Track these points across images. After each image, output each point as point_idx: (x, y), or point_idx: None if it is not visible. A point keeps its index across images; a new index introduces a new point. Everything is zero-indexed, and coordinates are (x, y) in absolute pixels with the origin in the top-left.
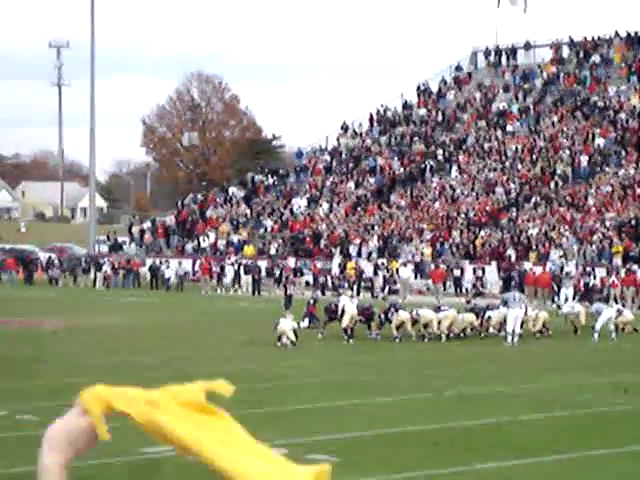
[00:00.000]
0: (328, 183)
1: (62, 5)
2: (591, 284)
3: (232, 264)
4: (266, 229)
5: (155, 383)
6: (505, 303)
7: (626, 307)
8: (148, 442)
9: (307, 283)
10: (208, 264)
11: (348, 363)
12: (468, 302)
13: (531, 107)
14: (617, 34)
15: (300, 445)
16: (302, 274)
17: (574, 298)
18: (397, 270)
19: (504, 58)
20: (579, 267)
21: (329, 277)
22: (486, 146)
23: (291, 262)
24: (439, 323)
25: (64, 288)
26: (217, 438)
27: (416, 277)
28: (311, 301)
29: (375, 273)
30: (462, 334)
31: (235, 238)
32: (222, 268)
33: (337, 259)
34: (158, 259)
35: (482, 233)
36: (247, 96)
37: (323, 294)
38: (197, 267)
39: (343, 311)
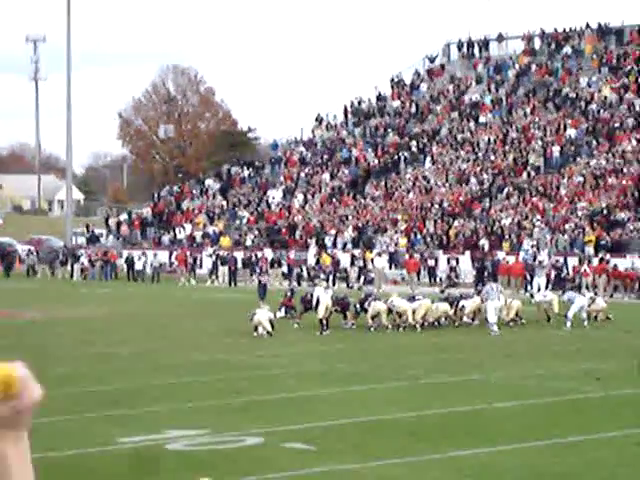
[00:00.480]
0: (303, 175)
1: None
2: (563, 273)
3: (209, 255)
4: (241, 221)
5: (133, 373)
6: (485, 296)
7: (598, 295)
8: (122, 432)
9: (284, 274)
10: (184, 255)
11: (324, 353)
12: (442, 292)
13: (503, 98)
14: (588, 25)
15: (277, 434)
16: (280, 265)
17: (547, 287)
18: (372, 260)
19: (477, 50)
20: (551, 256)
21: (305, 268)
22: (459, 137)
23: (268, 253)
24: (414, 313)
25: (42, 280)
26: None
27: (391, 267)
28: (288, 293)
29: (351, 263)
30: (436, 323)
31: (211, 230)
32: (195, 260)
33: (312, 250)
34: (135, 251)
35: (456, 223)
36: (222, 89)
37: (299, 284)
38: (173, 259)
39: (318, 302)
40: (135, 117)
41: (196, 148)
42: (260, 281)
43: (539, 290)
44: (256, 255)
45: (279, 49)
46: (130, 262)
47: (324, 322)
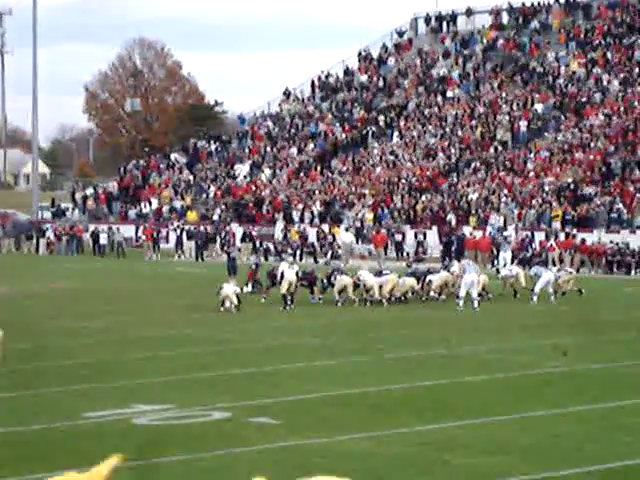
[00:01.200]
0: (270, 149)
1: None
2: (530, 248)
3: (174, 229)
4: (208, 195)
5: (99, 348)
6: (463, 269)
7: (563, 268)
8: (88, 406)
9: (253, 248)
10: (151, 230)
11: (291, 327)
12: (409, 266)
13: (471, 73)
14: (557, 0)
15: (244, 408)
16: (251, 239)
17: (512, 262)
18: (339, 235)
19: (444, 24)
20: (518, 231)
21: (272, 242)
22: (426, 112)
23: (236, 228)
24: (380, 287)
25: (7, 254)
26: None
27: (358, 242)
28: (253, 266)
29: (318, 238)
30: (403, 298)
31: (178, 204)
32: (159, 234)
33: (280, 225)
34: (101, 225)
35: (423, 198)
36: (189, 62)
37: (266, 259)
38: (140, 233)
39: (282, 277)
40: (101, 91)
41: (163, 122)
42: (229, 255)
43: (505, 265)
44: (225, 230)
45: (246, 22)
46: (95, 237)
47: (287, 297)
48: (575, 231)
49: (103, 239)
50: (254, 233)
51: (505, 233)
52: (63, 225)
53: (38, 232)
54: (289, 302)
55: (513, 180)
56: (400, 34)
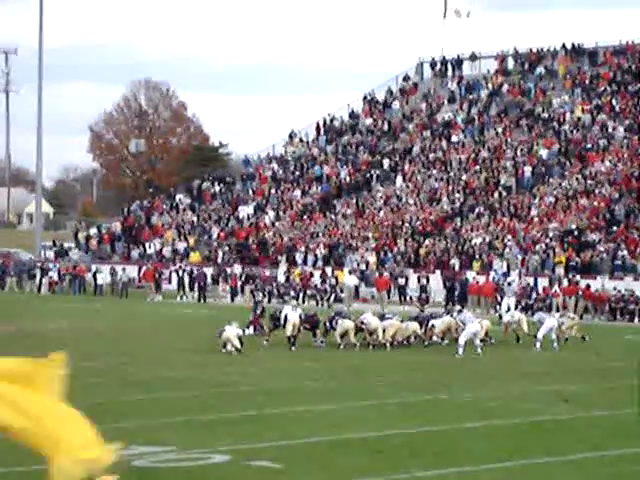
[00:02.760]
0: (274, 191)
1: (10, 11)
2: (533, 294)
3: (176, 271)
4: (211, 236)
5: (101, 389)
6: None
7: (566, 314)
8: None
9: (252, 291)
10: (153, 271)
11: (293, 370)
12: (422, 311)
13: (476, 118)
14: (564, 46)
15: (244, 451)
16: (253, 281)
17: (516, 307)
18: (342, 278)
19: (450, 69)
20: (522, 277)
21: (274, 284)
22: (431, 156)
23: (238, 269)
24: (384, 331)
25: (9, 293)
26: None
27: (360, 285)
28: (258, 311)
29: (323, 281)
30: (406, 342)
31: (181, 245)
32: (160, 275)
33: (283, 267)
34: (103, 265)
35: (426, 242)
36: (194, 104)
37: (269, 302)
38: (142, 274)
39: (286, 319)
40: (106, 131)
41: (167, 163)
42: (254, 297)
43: (508, 310)
44: (225, 271)
45: (252, 65)
46: (94, 276)
47: (292, 339)
48: (579, 277)
49: (101, 279)
50: (266, 273)
51: (509, 279)
52: (66, 265)
53: (41, 271)
54: (294, 344)
55: (517, 225)
56: (405, 78)
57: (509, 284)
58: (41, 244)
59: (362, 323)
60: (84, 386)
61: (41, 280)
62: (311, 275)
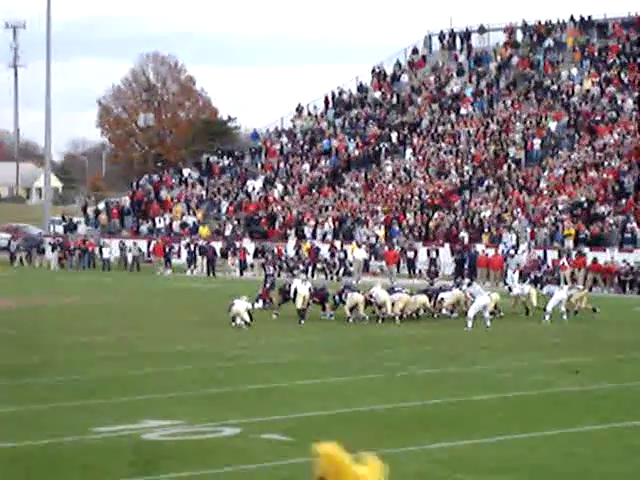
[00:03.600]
0: (283, 165)
1: None
2: (543, 267)
3: (187, 245)
4: (220, 210)
5: (110, 362)
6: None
7: (574, 286)
8: (99, 422)
9: (264, 265)
10: (162, 245)
11: (302, 344)
12: (431, 284)
13: (485, 90)
14: (572, 18)
15: (254, 425)
16: (263, 255)
17: (525, 280)
18: (351, 251)
19: (458, 41)
20: (531, 249)
21: (284, 258)
22: (440, 129)
23: (247, 243)
24: (393, 305)
25: (19, 268)
26: None
27: (370, 259)
28: (267, 285)
29: (332, 255)
30: (415, 315)
31: (190, 219)
32: (170, 249)
33: (292, 241)
34: (105, 240)
35: (435, 215)
36: (203, 77)
37: (278, 275)
38: (151, 249)
39: (296, 293)
40: (115, 105)
41: (176, 137)
42: (265, 271)
43: (515, 283)
44: (234, 245)
45: (261, 38)
46: (99, 251)
47: (303, 312)
48: (588, 250)
49: (107, 253)
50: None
51: (512, 252)
52: (75, 239)
53: (50, 246)
54: (303, 317)
55: (526, 198)
56: (414, 51)
57: (512, 256)
58: (50, 219)
59: (371, 296)
60: (94, 360)
61: (51, 255)
62: (318, 250)
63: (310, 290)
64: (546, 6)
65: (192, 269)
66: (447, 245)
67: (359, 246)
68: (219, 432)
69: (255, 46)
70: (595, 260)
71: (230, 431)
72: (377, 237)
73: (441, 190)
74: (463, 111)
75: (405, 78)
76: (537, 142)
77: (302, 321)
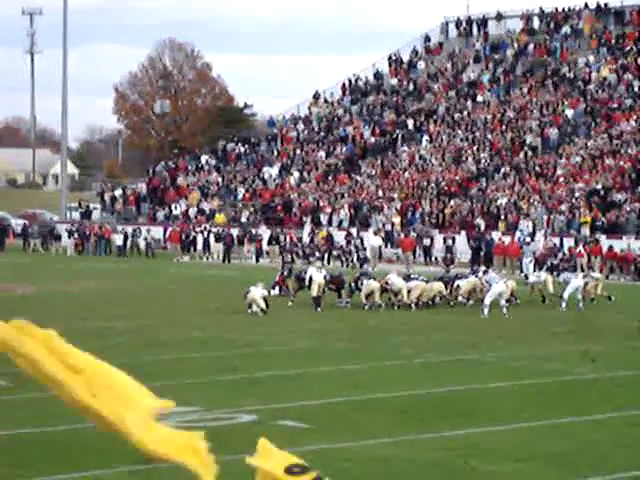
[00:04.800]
0: (299, 152)
1: None
2: (559, 254)
3: (202, 232)
4: (236, 197)
5: (126, 349)
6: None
7: (590, 273)
8: None
9: (281, 252)
10: (179, 232)
11: (318, 331)
12: (448, 271)
13: (501, 77)
14: (586, 5)
15: (270, 411)
16: (278, 242)
17: (541, 268)
18: (367, 239)
19: (475, 28)
20: (547, 237)
21: (299, 245)
22: (456, 116)
23: (264, 230)
24: (409, 292)
25: (35, 254)
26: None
27: (386, 246)
28: (284, 272)
29: (348, 242)
30: (431, 303)
31: (206, 206)
32: (187, 236)
33: (308, 228)
34: (128, 226)
35: (452, 203)
36: (219, 64)
37: (293, 262)
38: (167, 235)
39: (311, 280)
40: (131, 92)
41: (192, 124)
42: (283, 258)
43: (534, 271)
44: (250, 232)
45: (277, 25)
46: (125, 238)
47: (318, 299)
48: (604, 237)
49: (119, 240)
50: (293, 234)
51: (527, 239)
52: (91, 226)
53: (67, 232)
54: (319, 304)
55: (542, 185)
56: (430, 38)
57: (528, 244)
58: (66, 205)
59: (387, 284)
60: (110, 346)
61: (67, 241)
62: (331, 236)
63: (326, 277)
64: None
65: (207, 256)
66: (463, 233)
67: (375, 233)
68: (235, 419)
69: (271, 33)
70: (611, 248)
71: (246, 418)
72: (392, 224)
73: (457, 177)
74: (480, 98)
75: (421, 65)
76: (554, 129)
77: (318, 308)
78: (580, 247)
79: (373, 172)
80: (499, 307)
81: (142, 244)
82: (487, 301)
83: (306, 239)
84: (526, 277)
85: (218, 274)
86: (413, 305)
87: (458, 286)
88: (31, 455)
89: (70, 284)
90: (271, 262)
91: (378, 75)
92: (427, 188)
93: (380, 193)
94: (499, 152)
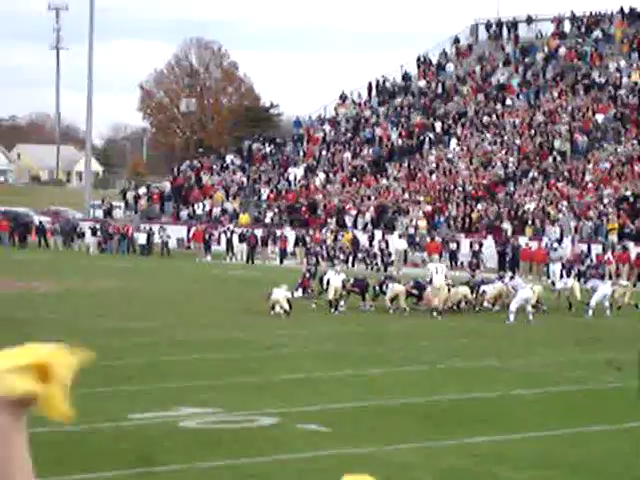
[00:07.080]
0: (325, 153)
1: None
2: (587, 261)
3: (225, 232)
4: (261, 197)
5: (148, 348)
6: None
7: (618, 281)
8: (134, 408)
9: (307, 254)
10: (203, 231)
11: (341, 334)
12: (473, 276)
13: (531, 81)
14: (621, 10)
15: (292, 414)
16: (304, 244)
17: (568, 274)
18: (392, 242)
19: (505, 31)
20: (575, 243)
21: (324, 247)
22: (485, 119)
23: (289, 232)
24: (435, 297)
25: (58, 252)
26: None
27: (411, 249)
28: (307, 274)
29: (371, 244)
30: (456, 307)
31: (230, 206)
32: (210, 236)
33: (330, 229)
34: (153, 225)
35: (479, 207)
36: (245, 63)
37: (318, 264)
38: (190, 235)
39: (328, 283)
40: (157, 89)
41: (218, 123)
42: (308, 260)
43: (561, 277)
44: (274, 233)
45: (305, 25)
46: (148, 236)
47: (333, 303)
48: (632, 245)
49: (142, 239)
50: (317, 236)
51: (555, 245)
52: (115, 224)
53: (90, 230)
54: (336, 308)
55: (571, 191)
56: (459, 40)
57: (555, 250)
58: (90, 203)
59: (412, 287)
60: (131, 346)
61: (90, 239)
62: (355, 238)
63: (343, 281)
64: None
65: (230, 256)
66: (490, 237)
67: (400, 236)
68: (255, 421)
69: (299, 33)
70: (638, 256)
71: (267, 420)
72: (416, 228)
73: (485, 181)
74: (509, 102)
75: (450, 67)
76: (583, 135)
77: (335, 312)
78: (609, 254)
79: (399, 175)
80: (525, 313)
81: (169, 243)
82: (513, 307)
83: (330, 242)
84: (553, 283)
85: (241, 275)
86: (436, 312)
87: (484, 291)
88: (47, 456)
89: (92, 282)
90: (299, 264)
91: (406, 77)
92: (454, 192)
93: (406, 196)
94: (527, 156)
